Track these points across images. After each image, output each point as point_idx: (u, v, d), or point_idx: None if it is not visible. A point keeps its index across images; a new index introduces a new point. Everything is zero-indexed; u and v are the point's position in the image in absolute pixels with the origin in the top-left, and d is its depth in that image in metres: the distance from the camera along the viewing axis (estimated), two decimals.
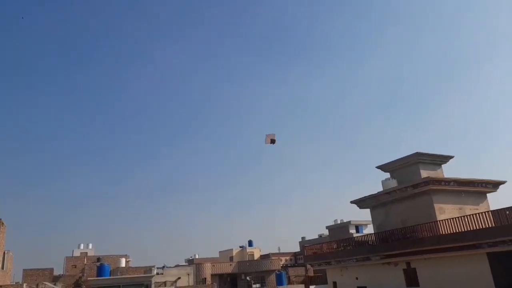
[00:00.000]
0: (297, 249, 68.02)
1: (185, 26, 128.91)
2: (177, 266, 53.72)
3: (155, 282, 35.17)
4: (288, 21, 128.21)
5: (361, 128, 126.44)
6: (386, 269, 25.36)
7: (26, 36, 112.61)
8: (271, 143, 25.39)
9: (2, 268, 21.22)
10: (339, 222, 52.98)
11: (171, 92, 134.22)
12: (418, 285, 23.12)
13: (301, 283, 42.16)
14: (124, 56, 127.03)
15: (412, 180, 26.36)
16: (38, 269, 46.98)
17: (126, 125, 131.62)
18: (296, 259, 64.06)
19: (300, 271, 49.83)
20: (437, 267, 22.10)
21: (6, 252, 22.20)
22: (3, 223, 19.40)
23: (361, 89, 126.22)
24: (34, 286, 37.48)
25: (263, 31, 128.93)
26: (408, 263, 23.96)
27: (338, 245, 30.27)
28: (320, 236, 62.05)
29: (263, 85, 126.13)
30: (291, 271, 49.15)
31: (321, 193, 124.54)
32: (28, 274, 45.34)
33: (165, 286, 35.91)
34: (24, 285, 25.85)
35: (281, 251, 69.66)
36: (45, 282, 40.98)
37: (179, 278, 39.16)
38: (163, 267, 46.09)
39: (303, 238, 68.26)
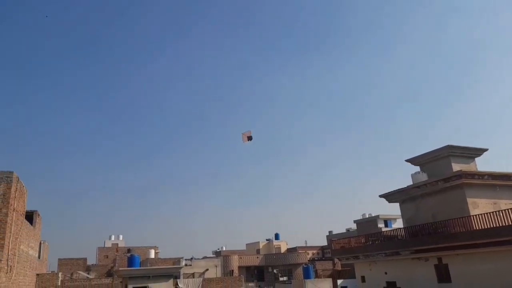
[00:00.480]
0: (324, 243, 67.62)
1: (189, 25, 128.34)
2: (204, 258, 54.47)
3: (184, 273, 35.76)
4: (305, 14, 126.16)
5: (385, 121, 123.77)
6: (416, 264, 24.84)
7: (26, 33, 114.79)
8: (248, 140, 25.25)
9: (39, 257, 22.11)
10: (367, 216, 52.24)
11: (182, 87, 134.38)
12: (450, 281, 22.53)
13: (329, 277, 41.80)
14: (127, 54, 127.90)
15: (443, 174, 25.63)
16: (72, 259, 48.88)
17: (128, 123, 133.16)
18: (323, 253, 63.74)
19: (328, 265, 49.49)
20: (470, 263, 21.43)
21: (42, 242, 23.10)
22: (39, 215, 20.19)
23: (384, 81, 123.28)
24: (69, 275, 38.93)
25: (272, 28, 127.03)
26: (439, 259, 23.36)
27: (367, 239, 29.88)
28: (347, 230, 61.45)
29: (281, 78, 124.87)
30: (319, 265, 48.86)
31: (347, 187, 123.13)
32: (63, 263, 47.20)
33: (193, 277, 36.44)
34: (60, 273, 26.85)
35: (308, 244, 69.48)
36: (79, 271, 42.57)
37: (207, 269, 39.68)
38: (191, 258, 46.72)
39: (330, 232, 67.80)
